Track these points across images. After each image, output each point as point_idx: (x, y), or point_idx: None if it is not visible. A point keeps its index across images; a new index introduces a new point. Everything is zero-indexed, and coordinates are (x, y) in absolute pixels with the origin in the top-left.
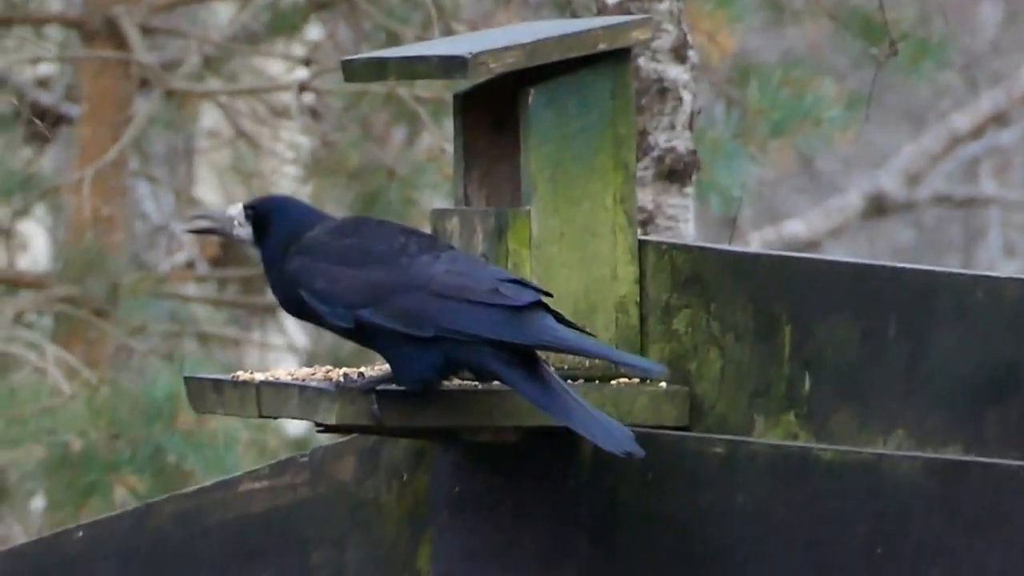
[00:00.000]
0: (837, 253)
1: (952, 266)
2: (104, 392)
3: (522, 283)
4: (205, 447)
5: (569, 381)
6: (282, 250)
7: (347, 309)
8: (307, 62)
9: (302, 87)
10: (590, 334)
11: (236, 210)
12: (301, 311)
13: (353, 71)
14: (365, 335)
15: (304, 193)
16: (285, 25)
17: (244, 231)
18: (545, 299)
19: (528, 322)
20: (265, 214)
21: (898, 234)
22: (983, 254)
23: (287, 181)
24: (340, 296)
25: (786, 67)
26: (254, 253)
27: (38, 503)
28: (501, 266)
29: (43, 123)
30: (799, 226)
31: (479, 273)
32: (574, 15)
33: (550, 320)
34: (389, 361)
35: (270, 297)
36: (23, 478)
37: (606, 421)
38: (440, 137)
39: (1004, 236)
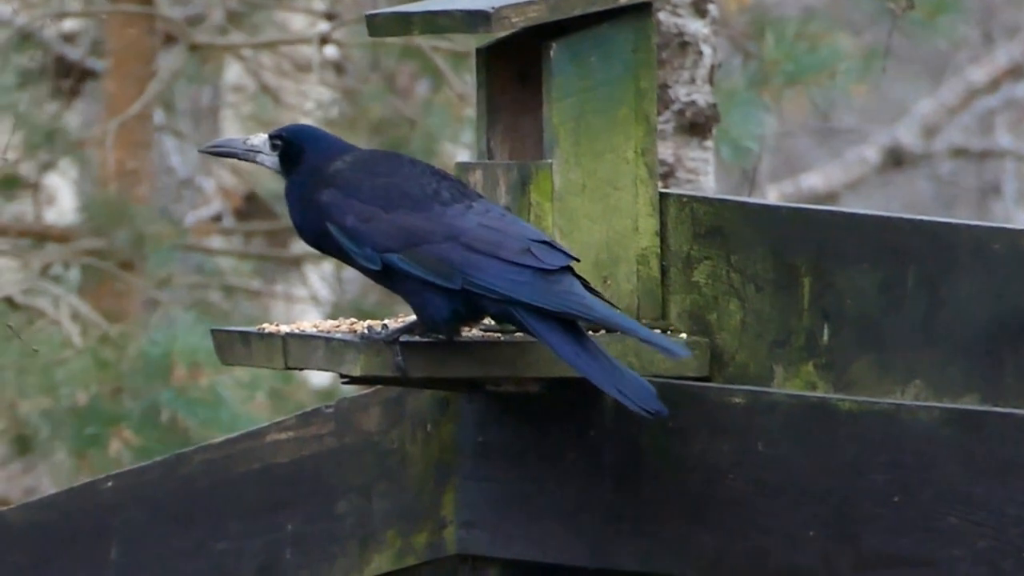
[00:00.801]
0: (854, 206)
1: (967, 218)
2: (109, 346)
3: (553, 245)
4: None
5: (590, 332)
6: (310, 180)
7: (376, 251)
8: (329, 16)
9: (323, 40)
10: (613, 304)
11: (260, 139)
12: (321, 243)
13: (377, 25)
14: (391, 278)
15: None
16: None
17: (270, 159)
18: (573, 264)
19: (556, 286)
20: (296, 144)
21: (914, 187)
22: (998, 207)
23: None
24: (370, 237)
25: (802, 21)
26: (274, 177)
27: (63, 455)
28: (523, 218)
29: (69, 78)
30: (817, 179)
31: (512, 229)
32: None
33: (578, 287)
34: (412, 305)
35: (295, 249)
36: (38, 427)
37: (632, 379)
38: (460, 86)
39: (1020, 188)
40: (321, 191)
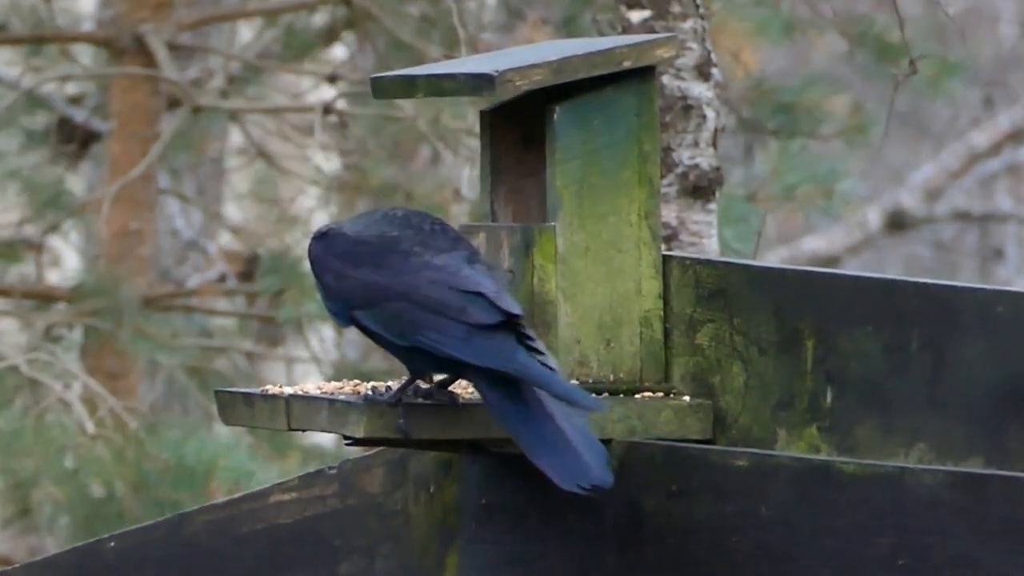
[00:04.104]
0: (855, 269)
1: (969, 282)
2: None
3: (491, 300)
4: None
5: (593, 396)
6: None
7: (345, 308)
8: (333, 79)
9: (327, 109)
10: (543, 359)
11: None
12: None
13: (382, 88)
14: (364, 334)
15: (329, 211)
16: (302, 46)
17: None
18: (522, 319)
19: (488, 341)
20: None
21: (915, 251)
22: (1000, 270)
23: (312, 200)
24: (340, 294)
25: (802, 85)
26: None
27: (64, 519)
28: (528, 280)
29: (74, 140)
30: (819, 242)
31: (461, 283)
32: (600, 34)
33: (510, 342)
34: (396, 358)
35: (296, 312)
36: (45, 509)
37: (572, 454)
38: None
39: (1021, 252)
40: (314, 241)
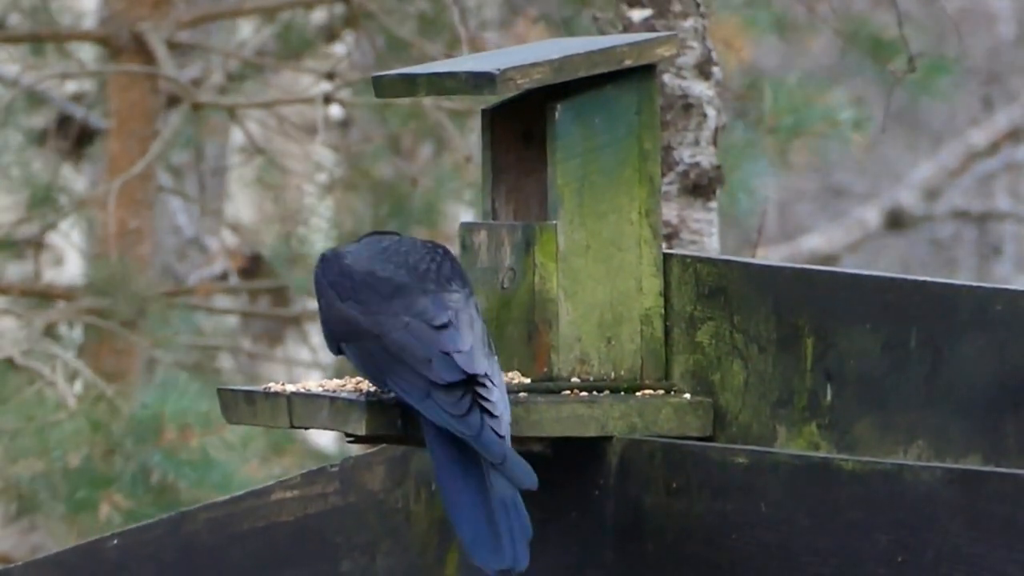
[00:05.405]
0: (853, 267)
1: (967, 280)
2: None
3: (455, 361)
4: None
5: (594, 392)
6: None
7: (331, 338)
8: (331, 76)
9: (327, 98)
10: (495, 430)
11: None
12: None
13: (383, 87)
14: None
15: (328, 205)
16: (301, 43)
17: None
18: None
19: (446, 401)
20: None
21: (914, 249)
22: (998, 269)
23: (312, 197)
24: (328, 323)
25: (798, 82)
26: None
27: (59, 517)
28: (529, 279)
29: (74, 138)
30: (818, 240)
31: (427, 337)
32: (600, 32)
33: (465, 404)
34: None
35: (296, 308)
36: (34, 490)
37: (483, 534)
38: (464, 147)
39: (1019, 250)
40: (317, 263)
